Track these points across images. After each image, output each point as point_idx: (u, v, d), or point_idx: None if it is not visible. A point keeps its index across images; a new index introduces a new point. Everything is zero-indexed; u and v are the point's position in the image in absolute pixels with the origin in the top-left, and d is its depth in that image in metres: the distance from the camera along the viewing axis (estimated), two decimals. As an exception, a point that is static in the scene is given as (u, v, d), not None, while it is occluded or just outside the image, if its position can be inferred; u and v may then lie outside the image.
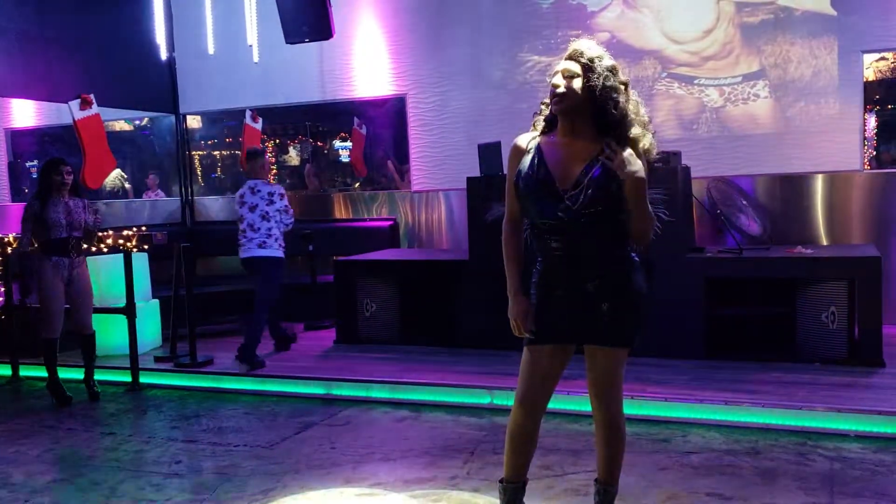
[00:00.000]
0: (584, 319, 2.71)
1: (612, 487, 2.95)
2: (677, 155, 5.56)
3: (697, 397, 4.54)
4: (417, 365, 5.65)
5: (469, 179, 6.12)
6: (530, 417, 2.82)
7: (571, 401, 4.49)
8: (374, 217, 8.07)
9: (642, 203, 2.62)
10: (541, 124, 2.81)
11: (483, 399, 4.91)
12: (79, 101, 7.01)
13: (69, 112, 7.05)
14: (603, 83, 2.61)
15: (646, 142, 2.66)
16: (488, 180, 6.01)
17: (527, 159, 2.76)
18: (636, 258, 2.76)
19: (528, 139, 2.82)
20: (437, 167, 7.87)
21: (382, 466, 3.98)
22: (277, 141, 11.92)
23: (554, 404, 4.21)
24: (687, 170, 5.79)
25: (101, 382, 5.97)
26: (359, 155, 9.87)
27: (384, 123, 9.29)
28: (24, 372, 6.31)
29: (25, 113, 9.10)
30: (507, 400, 4.77)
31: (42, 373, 6.12)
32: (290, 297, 7.66)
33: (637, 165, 2.58)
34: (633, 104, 2.68)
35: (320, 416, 4.90)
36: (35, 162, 10.19)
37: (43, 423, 5.08)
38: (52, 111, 8.58)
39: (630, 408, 4.43)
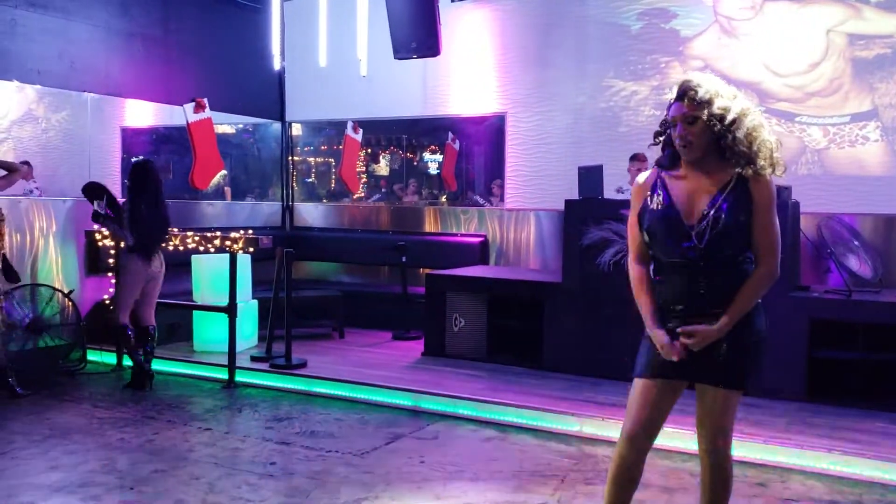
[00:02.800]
0: (700, 357, 2.67)
1: None
2: (787, 189, 5.41)
3: (797, 442, 4.39)
4: (503, 385, 5.65)
5: (567, 202, 6.10)
6: (636, 452, 2.78)
7: (666, 436, 4.39)
8: (465, 232, 8.14)
9: (770, 214, 2.61)
10: (661, 160, 2.80)
11: (572, 426, 4.87)
12: (193, 104, 7.35)
13: (183, 114, 7.40)
14: (723, 121, 2.58)
15: (776, 168, 2.64)
16: (587, 203, 5.99)
17: (651, 195, 2.75)
18: (759, 300, 2.71)
19: (650, 175, 2.81)
20: (531, 186, 7.88)
21: (472, 486, 4.00)
22: (370, 150, 12.16)
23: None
24: (796, 205, 5.62)
25: (199, 378, 6.22)
26: (450, 170, 9.99)
27: (480, 140, 9.36)
28: (127, 361, 6.59)
29: (140, 113, 9.56)
30: (598, 429, 4.75)
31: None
32: (381, 306, 7.82)
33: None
34: (758, 130, 2.63)
35: (409, 429, 4.96)
36: (140, 159, 10.69)
37: (145, 412, 5.31)
38: (165, 112, 8.98)
39: (741, 450, 4.34)
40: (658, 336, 2.72)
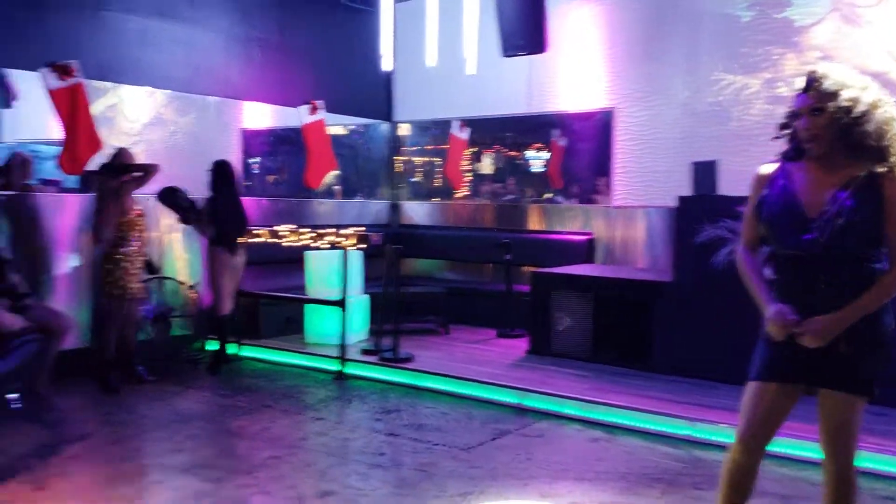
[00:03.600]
0: (820, 360, 2.55)
1: None
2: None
3: (928, 455, 4.14)
4: (609, 385, 5.58)
5: (681, 198, 5.95)
6: (750, 456, 2.70)
7: (781, 443, 4.23)
8: (570, 230, 8.07)
9: None
10: (787, 152, 2.69)
11: (682, 430, 4.77)
12: (308, 106, 7.62)
13: (298, 116, 7.69)
14: (850, 114, 2.46)
15: None
16: (701, 200, 5.83)
17: (771, 185, 2.65)
18: (886, 301, 2.57)
19: (773, 167, 2.71)
20: (639, 183, 7.72)
21: (577, 486, 3.98)
22: (476, 149, 12.23)
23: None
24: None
25: (312, 369, 6.45)
26: (556, 167, 9.91)
27: (587, 137, 9.25)
28: (245, 352, 6.92)
29: (257, 115, 9.98)
30: (709, 434, 4.63)
31: (258, 353, 6.74)
32: (485, 304, 7.88)
33: None
34: (890, 123, 2.49)
35: (514, 426, 4.98)
36: (258, 159, 11.13)
37: (261, 401, 5.55)
38: (281, 114, 9.33)
39: (866, 461, 4.14)
40: (771, 308, 2.59)
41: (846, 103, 2.47)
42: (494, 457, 4.40)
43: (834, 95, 2.48)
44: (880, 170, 2.49)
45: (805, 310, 2.55)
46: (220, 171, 6.30)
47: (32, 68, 5.65)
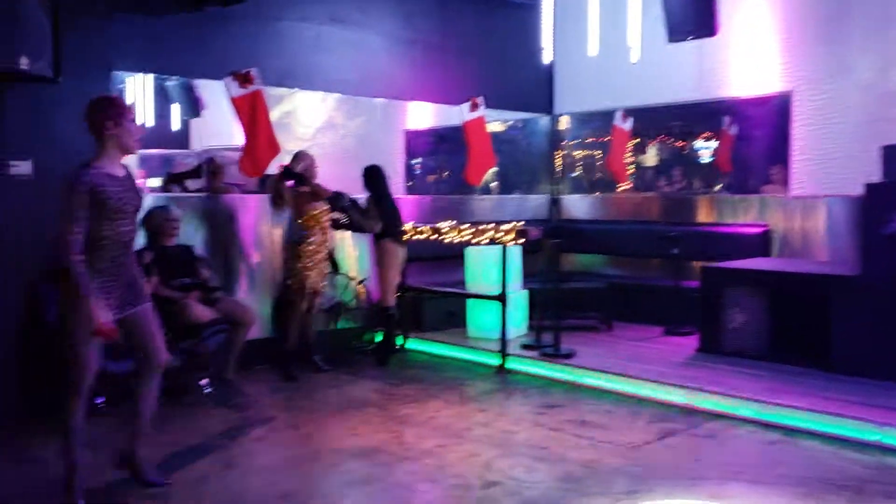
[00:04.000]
0: None
1: None
2: None
3: None
4: (787, 386, 5.26)
5: (869, 186, 5.50)
6: None
7: None
8: (743, 222, 7.66)
9: None
10: None
11: (870, 435, 4.41)
12: (469, 103, 7.73)
13: (459, 113, 7.82)
14: None
15: None
16: (891, 187, 5.36)
17: None
18: None
19: None
20: (819, 171, 7.19)
21: (752, 489, 3.79)
22: (638, 140, 11.90)
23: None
24: None
25: (473, 363, 6.55)
26: (726, 156, 9.45)
27: (760, 123, 8.75)
28: (410, 344, 7.15)
29: (420, 115, 10.25)
30: (902, 440, 4.26)
31: (422, 345, 6.94)
32: (650, 300, 7.65)
33: None
34: None
35: (683, 425, 4.81)
36: (419, 159, 11.44)
37: (427, 391, 5.71)
38: (442, 113, 9.54)
39: None
40: None
41: None
42: (662, 456, 4.28)
43: None
44: None
45: None
46: (376, 173, 6.59)
47: (217, 77, 6.13)
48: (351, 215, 6.44)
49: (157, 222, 5.79)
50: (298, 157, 6.21)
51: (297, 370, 6.08)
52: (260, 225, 6.49)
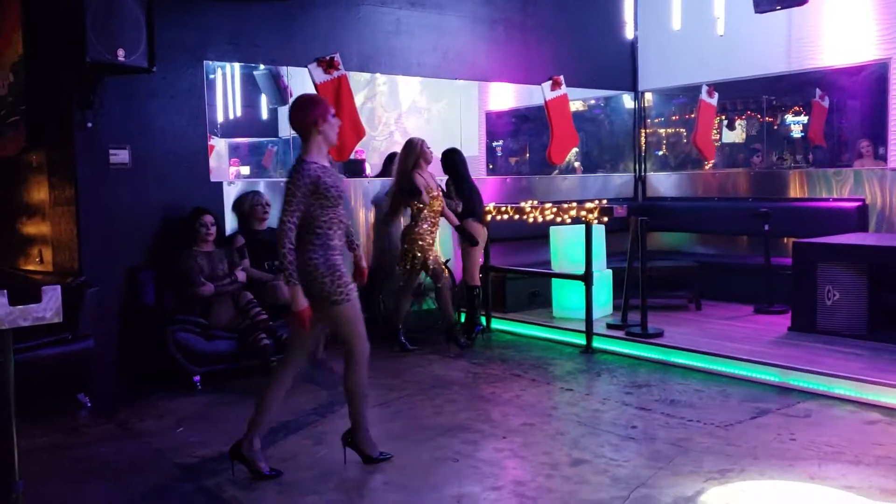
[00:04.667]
0: None
1: None
2: None
3: None
4: (888, 365, 5.05)
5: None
6: None
7: None
8: (838, 197, 7.36)
9: None
10: None
11: (980, 415, 4.21)
12: (550, 82, 7.67)
13: (541, 93, 7.76)
14: None
15: None
16: None
17: None
18: None
19: None
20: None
21: (852, 469, 3.67)
22: (724, 117, 11.53)
23: None
24: None
25: (559, 342, 6.54)
26: (819, 130, 9.07)
27: (855, 93, 8.36)
28: (494, 324, 7.19)
29: (501, 96, 10.22)
30: None
31: (506, 325, 6.94)
32: (740, 278, 7.46)
33: None
34: None
35: (776, 405, 4.69)
36: (501, 142, 11.39)
37: (512, 371, 5.74)
38: (523, 93, 9.47)
39: None
40: None
41: None
42: (754, 435, 4.18)
43: None
44: None
45: None
46: (456, 156, 6.68)
47: (302, 64, 6.27)
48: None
49: (248, 207, 6.00)
50: (409, 147, 6.30)
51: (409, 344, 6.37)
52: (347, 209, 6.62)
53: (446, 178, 6.75)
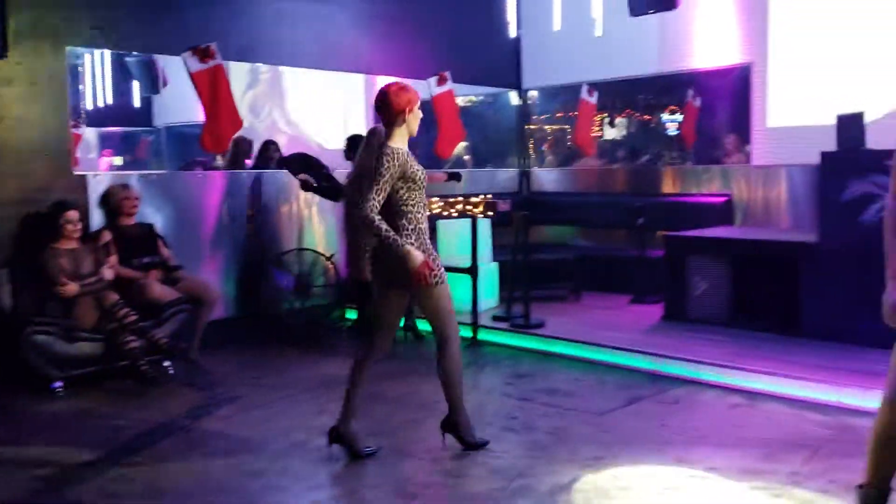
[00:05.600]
0: None
1: None
2: None
3: None
4: (750, 351, 5.37)
5: (824, 154, 5.60)
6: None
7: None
8: (707, 192, 7.76)
9: None
10: None
11: (829, 396, 4.53)
12: (436, 77, 7.69)
13: (427, 88, 7.77)
14: None
15: None
16: (846, 155, 5.45)
17: None
18: None
19: None
20: (781, 141, 7.30)
21: (716, 451, 3.87)
22: (605, 115, 11.93)
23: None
24: None
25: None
26: (691, 128, 9.52)
27: (723, 95, 8.83)
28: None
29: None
30: (859, 401, 4.37)
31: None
32: (618, 270, 7.73)
33: None
34: None
35: (649, 392, 4.89)
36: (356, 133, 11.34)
37: (400, 367, 5.65)
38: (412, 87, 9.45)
39: None
40: (891, 290, 2.51)
41: None
42: (628, 422, 4.35)
43: None
44: None
45: None
46: (357, 143, 6.53)
47: (176, 52, 6.02)
48: (329, 189, 6.45)
49: (116, 200, 5.70)
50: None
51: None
52: (224, 203, 6.43)
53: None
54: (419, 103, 3.86)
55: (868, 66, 6.53)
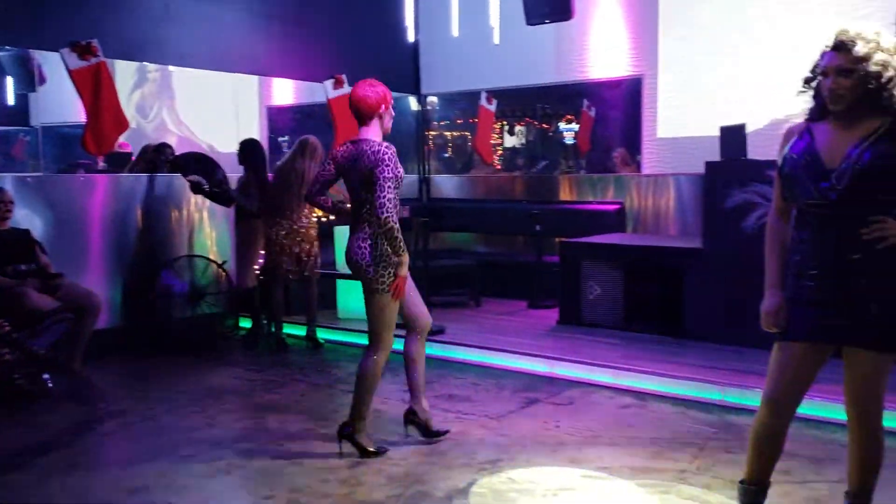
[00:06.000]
0: (847, 318, 2.50)
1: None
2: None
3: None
4: (640, 353, 5.53)
5: (708, 164, 5.85)
6: (777, 417, 2.66)
7: (814, 406, 4.17)
8: (600, 200, 7.98)
9: None
10: (811, 112, 2.64)
11: (713, 395, 4.71)
12: (332, 80, 7.59)
13: (324, 91, 7.66)
14: (880, 79, 2.40)
15: None
16: (729, 165, 5.71)
17: (795, 143, 2.60)
18: None
19: (798, 126, 2.66)
20: (669, 150, 7.59)
21: (608, 451, 3.96)
22: (504, 123, 12.10)
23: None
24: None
25: (343, 344, 6.49)
26: (586, 137, 9.78)
27: (616, 105, 9.11)
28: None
29: (283, 92, 9.98)
30: (741, 399, 4.57)
31: (290, 329, 6.71)
32: (516, 276, 7.83)
33: None
34: None
35: (544, 394, 4.96)
36: (287, 137, 11.16)
37: (293, 375, 5.60)
38: (307, 90, 9.31)
39: (888, 420, 4.06)
40: (772, 295, 2.62)
41: (876, 68, 2.41)
42: (524, 425, 4.39)
43: (865, 59, 2.41)
44: None
45: (828, 262, 2.51)
46: (254, 148, 6.41)
47: (54, 48, 5.69)
48: (221, 194, 6.26)
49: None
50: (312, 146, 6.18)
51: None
52: (108, 207, 6.13)
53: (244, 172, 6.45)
54: (392, 102, 3.92)
55: (750, 81, 6.86)
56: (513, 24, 7.57)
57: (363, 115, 3.85)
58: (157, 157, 6.95)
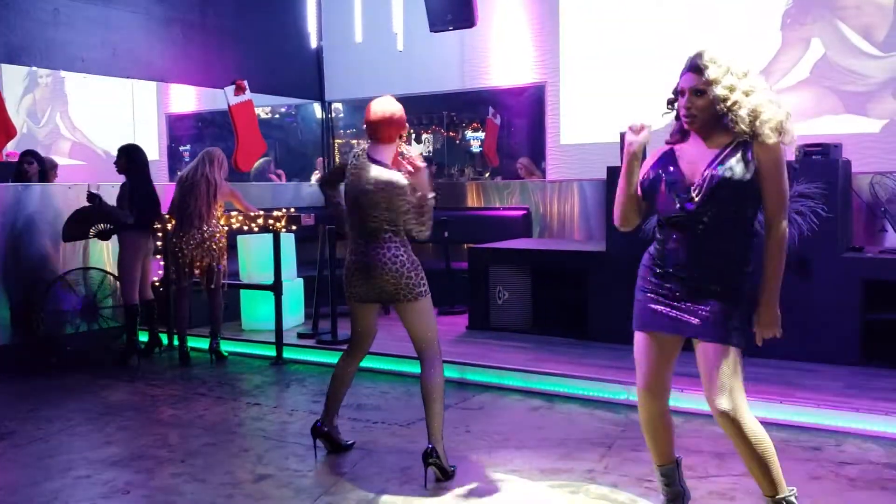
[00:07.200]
0: (690, 312, 2.72)
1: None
2: (838, 147, 5.23)
3: (853, 406, 4.27)
4: (549, 355, 5.61)
5: (610, 169, 5.99)
6: (655, 400, 2.90)
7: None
8: (507, 206, 8.08)
9: (774, 176, 2.65)
10: (673, 134, 2.86)
11: (619, 394, 4.82)
12: (233, 87, 7.42)
13: (224, 97, 7.48)
14: (726, 102, 2.60)
15: (783, 136, 2.62)
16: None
17: (657, 162, 2.82)
18: (752, 261, 2.73)
19: (663, 146, 2.88)
20: (572, 157, 7.77)
21: (517, 454, 3.99)
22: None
23: (696, 405, 4.12)
24: (848, 163, 5.43)
25: (248, 356, 6.32)
26: (492, 145, 9.90)
27: (521, 112, 9.26)
28: (177, 341, 6.72)
29: (184, 98, 9.68)
30: (645, 396, 4.69)
31: (191, 342, 6.46)
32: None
33: None
34: (762, 107, 2.60)
35: (454, 400, 4.96)
36: (188, 146, 10.83)
37: (195, 389, 5.41)
38: (208, 97, 9.07)
39: (778, 413, 4.26)
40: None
41: (723, 92, 2.60)
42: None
43: (714, 82, 2.61)
44: (752, 139, 2.63)
45: (688, 271, 2.72)
46: (131, 155, 6.15)
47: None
48: (99, 205, 5.99)
49: None
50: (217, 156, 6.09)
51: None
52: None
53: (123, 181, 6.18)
54: None
55: (649, 88, 7.08)
56: (417, 30, 7.58)
57: (382, 137, 3.89)
58: (20, 167, 6.64)
